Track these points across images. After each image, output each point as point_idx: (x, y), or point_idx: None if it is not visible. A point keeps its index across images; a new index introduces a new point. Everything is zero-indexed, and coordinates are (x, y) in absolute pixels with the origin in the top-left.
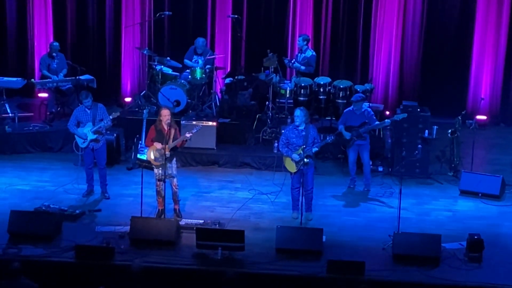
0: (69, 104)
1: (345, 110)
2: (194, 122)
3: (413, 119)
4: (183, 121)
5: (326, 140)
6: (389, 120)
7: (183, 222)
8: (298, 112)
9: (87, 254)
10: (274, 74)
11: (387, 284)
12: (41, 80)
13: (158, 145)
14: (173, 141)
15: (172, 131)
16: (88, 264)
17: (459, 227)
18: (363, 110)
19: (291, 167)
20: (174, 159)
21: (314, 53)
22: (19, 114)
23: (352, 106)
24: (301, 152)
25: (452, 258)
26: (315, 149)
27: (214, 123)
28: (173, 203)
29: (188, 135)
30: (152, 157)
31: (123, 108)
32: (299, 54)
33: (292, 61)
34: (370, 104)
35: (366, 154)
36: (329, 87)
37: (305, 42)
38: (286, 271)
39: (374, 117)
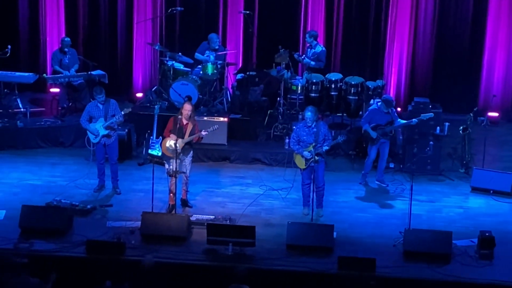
0: (80, 99)
1: (369, 108)
2: (205, 118)
3: None
4: (195, 117)
5: (337, 140)
6: (416, 120)
7: (194, 217)
8: (308, 114)
9: (98, 249)
10: (286, 70)
11: (397, 281)
12: (53, 75)
13: (173, 137)
14: (189, 136)
15: (190, 126)
16: (99, 259)
17: (470, 224)
18: (388, 110)
19: (301, 163)
20: (191, 152)
21: (324, 48)
22: (31, 109)
23: (377, 104)
24: (312, 149)
25: (463, 255)
26: (325, 148)
27: (226, 119)
28: (181, 192)
29: (204, 132)
30: (167, 148)
31: (134, 103)
32: (309, 50)
33: (302, 57)
34: None
35: (387, 150)
36: (341, 84)
37: (312, 38)
38: (296, 267)
39: (397, 115)
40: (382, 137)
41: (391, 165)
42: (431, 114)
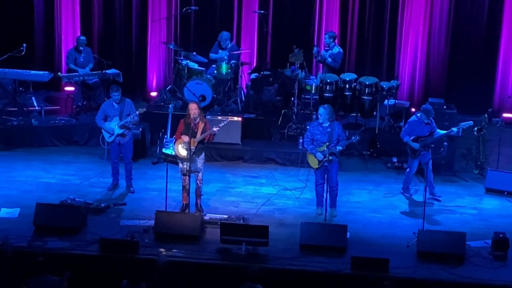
0: (95, 98)
1: (409, 120)
2: (219, 117)
3: (439, 117)
4: (209, 116)
5: (351, 140)
6: (456, 129)
7: (207, 217)
8: (321, 110)
9: (111, 247)
10: (300, 70)
11: (411, 282)
12: (68, 74)
13: (185, 139)
14: (201, 134)
15: (201, 125)
16: (112, 258)
17: (484, 225)
18: (429, 120)
19: (314, 163)
20: (203, 153)
21: (341, 50)
22: (45, 108)
23: (417, 116)
24: (325, 149)
25: (477, 257)
26: (339, 148)
27: (240, 119)
28: (195, 198)
29: (215, 129)
30: (180, 150)
31: (148, 102)
32: (326, 51)
33: (320, 51)
34: (396, 101)
35: (430, 162)
36: (355, 84)
37: (331, 39)
38: (310, 267)
39: (435, 125)
40: (424, 149)
41: (405, 166)
42: (471, 123)
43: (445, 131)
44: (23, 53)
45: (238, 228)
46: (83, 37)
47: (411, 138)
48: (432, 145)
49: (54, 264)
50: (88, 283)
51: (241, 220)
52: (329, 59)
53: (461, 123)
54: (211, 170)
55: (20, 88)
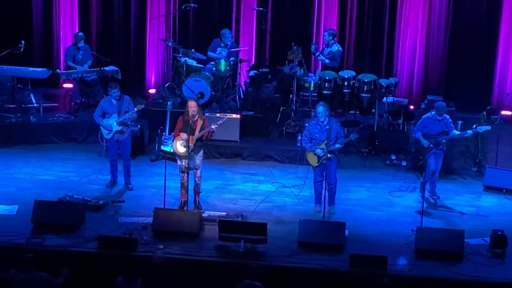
0: (93, 95)
1: (423, 116)
2: (218, 115)
3: None
4: (207, 113)
5: (350, 138)
6: (471, 131)
7: (206, 214)
8: (320, 108)
9: (110, 244)
10: (299, 67)
11: (409, 279)
12: (66, 71)
13: (183, 136)
14: (199, 132)
15: (200, 122)
16: (110, 255)
17: (482, 223)
18: (442, 117)
19: (313, 161)
20: (201, 150)
21: (340, 48)
22: (44, 105)
23: (432, 113)
24: (324, 147)
25: (475, 254)
26: (338, 146)
27: (238, 116)
28: (194, 195)
29: (213, 126)
30: (178, 147)
31: (147, 99)
32: (325, 48)
33: (317, 54)
34: (395, 98)
35: (440, 162)
36: (354, 81)
37: (330, 37)
38: (308, 265)
39: (453, 125)
40: (435, 147)
41: (404, 163)
42: (488, 127)
43: (460, 132)
44: (21, 50)
45: (236, 226)
46: (81, 33)
47: (422, 134)
48: (443, 143)
49: (52, 261)
50: (87, 280)
51: (240, 218)
52: (327, 61)
53: (478, 126)
54: (210, 167)
55: (19, 85)
